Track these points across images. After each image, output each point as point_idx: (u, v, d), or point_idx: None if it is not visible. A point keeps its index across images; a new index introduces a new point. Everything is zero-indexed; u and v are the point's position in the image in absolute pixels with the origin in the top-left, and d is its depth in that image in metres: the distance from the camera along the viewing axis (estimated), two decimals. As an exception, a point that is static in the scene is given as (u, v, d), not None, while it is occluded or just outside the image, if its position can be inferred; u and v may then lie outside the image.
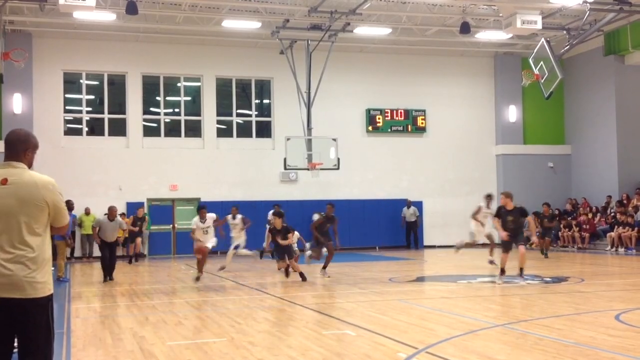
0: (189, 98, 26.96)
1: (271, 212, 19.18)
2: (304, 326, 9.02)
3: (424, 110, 28.18)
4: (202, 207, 15.35)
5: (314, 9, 22.05)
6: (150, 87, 26.28)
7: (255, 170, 26.33)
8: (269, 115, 27.32)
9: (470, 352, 7.14)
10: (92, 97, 26.07)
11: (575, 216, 26.35)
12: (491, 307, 10.72)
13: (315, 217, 21.00)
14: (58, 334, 8.80)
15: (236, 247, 17.20)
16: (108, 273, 15.86)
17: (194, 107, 26.78)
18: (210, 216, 15.27)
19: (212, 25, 24.01)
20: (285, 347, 7.66)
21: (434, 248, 27.17)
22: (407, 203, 27.19)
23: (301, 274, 14.67)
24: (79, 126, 25.71)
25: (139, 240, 22.12)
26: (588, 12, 21.58)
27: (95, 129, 25.93)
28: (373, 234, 27.23)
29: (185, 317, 10.00)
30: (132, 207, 24.94)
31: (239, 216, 17.59)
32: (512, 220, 13.48)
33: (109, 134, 25.67)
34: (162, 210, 25.76)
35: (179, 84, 26.70)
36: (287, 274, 15.22)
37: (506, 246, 13.72)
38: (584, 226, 25.03)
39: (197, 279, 14.75)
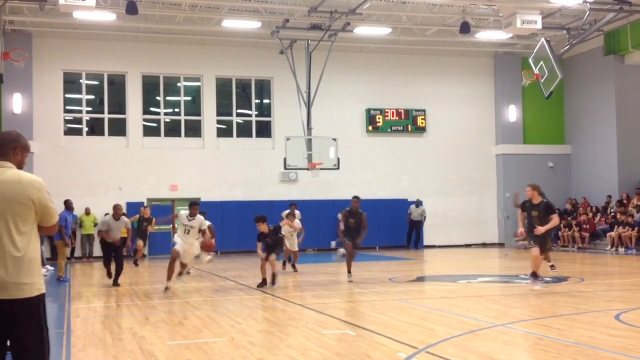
0: (189, 98, 26.95)
1: (286, 212, 19.01)
2: (303, 326, 9.03)
3: (424, 110, 28.18)
4: (194, 203, 13.70)
5: (314, 8, 22.05)
6: (150, 87, 26.28)
7: (255, 170, 26.33)
8: (269, 115, 27.32)
9: (470, 352, 7.14)
10: (92, 97, 26.06)
11: (575, 216, 26.35)
12: (491, 307, 10.71)
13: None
14: (58, 333, 8.82)
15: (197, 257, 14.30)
16: (114, 275, 14.80)
17: (194, 107, 26.78)
18: (200, 218, 13.44)
19: (212, 25, 24.00)
20: (285, 347, 7.66)
21: (434, 248, 27.18)
22: (416, 202, 27.15)
23: (273, 275, 13.59)
24: (79, 126, 25.71)
25: (140, 243, 20.50)
26: (588, 11, 21.58)
27: (95, 128, 25.92)
28: (373, 234, 26.97)
29: (185, 317, 10.00)
30: (132, 207, 24.96)
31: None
32: (537, 216, 12.25)
33: (109, 134, 25.67)
34: (162, 210, 25.68)
35: (179, 84, 26.70)
36: (283, 265, 15.30)
37: (539, 243, 12.27)
38: (584, 226, 25.04)
39: (166, 289, 13.09)
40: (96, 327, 9.46)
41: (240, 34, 25.13)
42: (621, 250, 22.66)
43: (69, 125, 25.55)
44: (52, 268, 18.36)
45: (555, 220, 12.25)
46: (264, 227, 13.92)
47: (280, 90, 26.60)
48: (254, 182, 26.19)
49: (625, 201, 24.79)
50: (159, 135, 26.15)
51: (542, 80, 21.98)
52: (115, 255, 14.97)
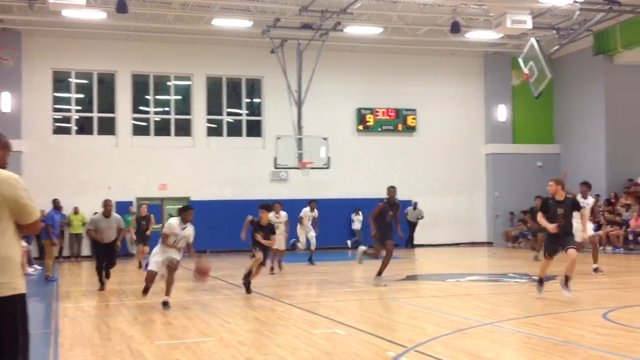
0: (179, 97, 26.88)
1: (306, 208, 18.79)
2: (293, 325, 9.02)
3: (414, 110, 28.23)
4: (188, 208, 11.41)
5: (305, 8, 22.04)
6: (140, 85, 26.19)
7: (246, 169, 26.29)
8: (259, 114, 27.29)
9: (459, 351, 7.16)
10: (81, 95, 25.94)
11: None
12: (480, 306, 10.75)
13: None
14: (45, 333, 8.78)
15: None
16: (103, 278, 13.75)
17: (184, 106, 26.72)
18: (192, 227, 11.25)
19: (202, 24, 23.94)
20: (274, 346, 7.66)
21: (424, 247, 27.21)
22: (414, 204, 27.19)
23: (248, 283, 12.57)
24: (68, 125, 25.58)
25: (146, 249, 17.78)
26: (578, 11, 21.67)
27: (84, 127, 25.81)
28: (363, 233, 27.23)
29: (174, 316, 9.97)
30: (121, 207, 24.85)
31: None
32: (562, 215, 10.81)
33: (99, 133, 25.57)
34: (152, 209, 25.51)
35: (169, 83, 26.62)
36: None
37: (551, 247, 11.04)
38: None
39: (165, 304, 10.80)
40: (84, 326, 9.41)
41: (231, 33, 25.08)
42: (609, 249, 22.76)
43: (58, 124, 25.41)
44: (40, 267, 18.29)
45: (585, 216, 11.46)
46: (266, 218, 12.96)
47: (271, 90, 26.57)
48: (244, 182, 26.15)
49: (613, 200, 24.92)
50: (148, 134, 26.07)
51: (531, 80, 22.04)
52: (107, 257, 13.74)
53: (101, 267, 13.78)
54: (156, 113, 26.49)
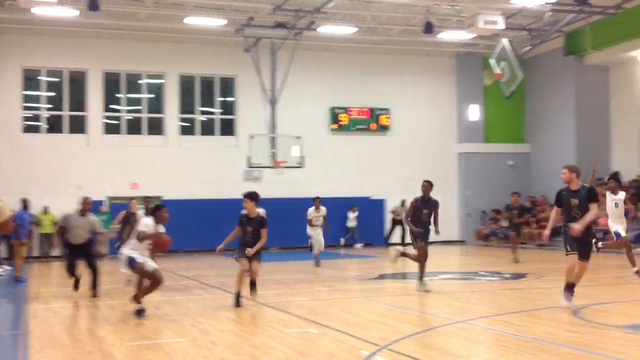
0: (151, 95, 26.68)
1: (311, 208, 18.23)
2: (267, 325, 9.01)
3: (387, 109, 28.35)
4: (161, 206, 10.42)
5: (279, 7, 22.01)
6: (111, 84, 25.94)
7: (219, 168, 26.18)
8: (232, 113, 27.19)
9: (432, 349, 7.21)
10: (52, 94, 25.63)
11: (535, 213, 26.77)
12: (452, 304, 10.83)
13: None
14: (15, 335, 8.65)
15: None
16: (91, 284, 12.49)
17: (156, 104, 26.52)
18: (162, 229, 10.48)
19: (175, 22, 23.79)
20: (248, 346, 7.63)
21: (396, 246, 27.28)
22: (402, 201, 26.55)
23: (253, 283, 11.46)
24: (38, 123, 25.26)
25: None
26: (549, 12, 21.96)
27: (54, 126, 25.50)
28: (336, 232, 27.24)
29: (146, 317, 9.89)
30: (93, 206, 24.53)
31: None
32: (578, 206, 9.47)
33: (69, 132, 25.30)
34: (124, 208, 25.37)
35: (140, 81, 26.41)
36: (252, 285, 11.45)
37: (578, 247, 9.40)
38: (543, 223, 25.41)
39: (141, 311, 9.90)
40: (54, 328, 9.30)
41: (204, 32, 24.95)
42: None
43: (28, 123, 25.07)
44: (10, 268, 18.01)
45: (593, 211, 9.41)
46: (251, 208, 10.76)
47: (245, 89, 26.49)
48: (217, 181, 26.02)
49: (583, 199, 25.22)
50: (120, 133, 25.85)
51: (503, 80, 22.30)
52: (86, 259, 12.48)
53: (72, 268, 12.55)
54: (128, 111, 26.26)
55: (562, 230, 9.81)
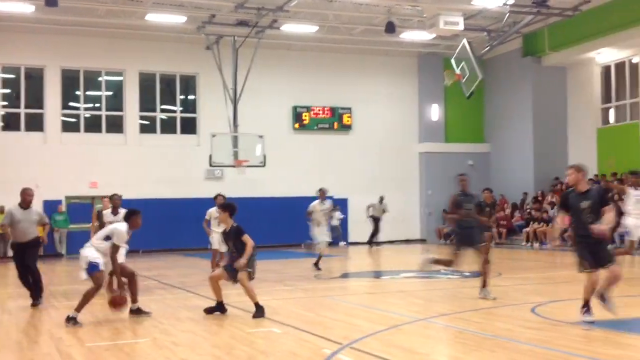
0: (110, 93, 26.31)
1: (315, 202, 16.48)
2: (229, 325, 8.96)
3: (349, 108, 28.45)
4: (137, 211, 9.75)
5: (241, 5, 21.90)
6: (69, 81, 25.51)
7: (180, 167, 25.95)
8: (194, 112, 26.98)
9: (394, 346, 7.25)
10: (7, 90, 25.12)
11: (493, 213, 27.13)
12: (414, 302, 10.91)
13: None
14: (-30, 337, 8.43)
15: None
16: (34, 293, 11.14)
17: (116, 102, 26.16)
18: (124, 211, 10.55)
19: (135, 19, 23.49)
20: (209, 347, 7.58)
21: (359, 245, 27.43)
22: (380, 198, 26.72)
23: (258, 307, 9.47)
24: (-6, 121, 24.73)
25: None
26: (507, 14, 22.26)
27: (10, 124, 24.99)
28: (299, 231, 27.19)
29: (106, 317, 9.75)
30: (50, 206, 24.20)
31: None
32: (588, 209, 8.22)
33: (26, 129, 24.81)
34: (82, 208, 25.03)
35: (100, 78, 26.03)
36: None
37: (590, 258, 8.16)
38: (502, 222, 25.80)
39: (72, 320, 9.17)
40: (11, 329, 9.10)
41: (165, 29, 24.69)
42: (536, 245, 23.48)
43: (-18, 120, 24.52)
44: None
45: (611, 213, 8.23)
46: (225, 220, 9.72)
47: (206, 87, 26.31)
48: (178, 180, 25.79)
49: (540, 198, 25.71)
50: (78, 130, 25.45)
51: (463, 81, 22.52)
52: (29, 260, 11.01)
53: (25, 275, 11.15)
54: (86, 109, 25.86)
55: (574, 239, 8.44)
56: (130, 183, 25.13)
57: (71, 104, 25.64)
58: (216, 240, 13.60)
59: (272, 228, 26.28)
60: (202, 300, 11.56)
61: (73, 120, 25.56)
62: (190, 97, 27.30)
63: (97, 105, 26.10)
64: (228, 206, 9.78)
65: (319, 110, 28.01)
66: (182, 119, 26.87)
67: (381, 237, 27.43)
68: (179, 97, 27.13)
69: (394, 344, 7.43)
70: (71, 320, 9.04)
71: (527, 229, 24.30)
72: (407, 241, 28.90)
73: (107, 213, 12.33)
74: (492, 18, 24.41)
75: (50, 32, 24.49)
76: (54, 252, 24.17)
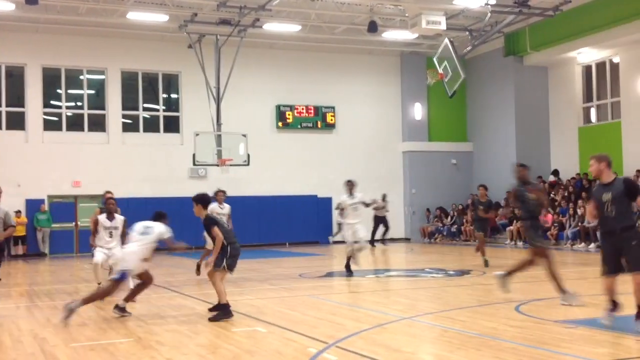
0: (92, 91, 26.14)
1: (344, 196, 15.09)
2: (214, 324, 8.93)
3: (333, 107, 28.48)
4: (164, 214, 10.31)
5: (223, 3, 21.83)
6: (51, 79, 25.31)
7: (163, 166, 25.84)
8: (177, 110, 26.87)
9: (379, 345, 7.28)
10: (-13, 89, 24.86)
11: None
12: (398, 301, 10.96)
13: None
14: (-49, 338, 8.33)
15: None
16: None
17: (98, 100, 25.99)
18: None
19: (116, 17, 23.35)
20: (194, 346, 7.56)
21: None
22: (382, 196, 25.44)
23: (221, 307, 9.29)
24: (-26, 119, 24.47)
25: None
26: (489, 14, 22.37)
27: (-9, 122, 24.75)
28: (283, 230, 27.27)
29: (89, 317, 9.69)
30: (32, 205, 24.02)
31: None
32: (610, 202, 7.56)
33: (7, 128, 24.62)
34: (64, 207, 24.88)
35: (81, 77, 25.84)
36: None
37: (608, 261, 7.67)
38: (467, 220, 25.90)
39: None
40: (-7, 330, 9.02)
41: (147, 27, 24.56)
42: (520, 243, 23.65)
43: (-38, 119, 24.26)
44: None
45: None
46: (198, 212, 9.69)
47: (189, 85, 26.21)
48: (161, 179, 25.69)
49: (523, 197, 25.83)
50: (60, 129, 25.26)
51: (445, 80, 22.61)
52: None
53: None
54: (68, 108, 25.68)
55: (600, 239, 7.79)
56: (113, 182, 24.92)
57: (53, 102, 25.44)
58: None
59: (257, 227, 26.28)
60: (187, 299, 11.54)
61: (55, 119, 25.36)
62: (173, 95, 27.19)
63: (79, 103, 25.93)
64: (199, 198, 9.79)
65: (302, 109, 28.02)
66: (165, 117, 26.76)
67: (363, 236, 27.38)
68: (162, 95, 27.00)
69: (379, 342, 7.45)
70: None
71: (511, 227, 24.46)
72: (391, 240, 28.97)
73: (102, 219, 11.91)
74: (473, 18, 24.53)
75: (31, 30, 24.28)
76: (37, 252, 23.98)
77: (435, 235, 28.15)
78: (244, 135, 23.46)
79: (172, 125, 26.74)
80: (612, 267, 7.61)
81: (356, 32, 26.16)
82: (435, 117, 29.85)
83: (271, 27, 24.40)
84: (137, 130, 26.23)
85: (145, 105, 26.57)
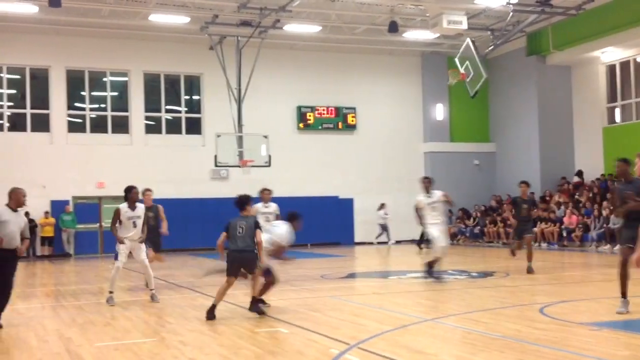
0: (115, 93, 26.37)
1: (421, 195, 13.66)
2: (236, 324, 8.97)
3: (354, 108, 28.45)
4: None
5: (244, 5, 21.93)
6: (74, 81, 25.58)
7: (185, 167, 25.99)
8: (198, 112, 27.02)
9: (401, 347, 7.25)
10: (13, 91, 25.19)
11: (500, 212, 27.09)
12: (421, 302, 10.92)
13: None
14: (-21, 338, 8.45)
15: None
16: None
17: (121, 102, 26.22)
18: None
19: (138, 19, 23.54)
20: (217, 346, 7.60)
21: (365, 245, 27.44)
22: (380, 205, 27.41)
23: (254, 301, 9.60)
24: (0, 121, 24.76)
25: (153, 254, 12.90)
26: (511, 13, 22.23)
27: (16, 124, 25.07)
28: (304, 231, 27.05)
29: (114, 317, 9.78)
30: (57, 206, 24.30)
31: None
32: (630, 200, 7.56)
33: (32, 130, 24.89)
34: (89, 208, 25.12)
35: (105, 79, 26.08)
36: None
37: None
38: (509, 222, 25.72)
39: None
40: (20, 329, 9.12)
41: (169, 29, 24.73)
42: (544, 245, 23.44)
43: (-12, 121, 24.60)
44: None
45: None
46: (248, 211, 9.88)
47: (210, 87, 26.34)
48: (184, 180, 25.84)
49: (547, 198, 25.66)
50: (84, 131, 25.51)
51: (467, 80, 22.50)
52: (5, 272, 9.06)
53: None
54: (92, 110, 25.93)
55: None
56: (135, 183, 25.01)
57: (77, 104, 25.71)
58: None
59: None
60: (209, 300, 11.57)
61: (79, 120, 25.62)
62: (195, 97, 27.35)
63: (102, 105, 26.17)
64: (235, 201, 10.10)
65: (323, 110, 28.03)
66: (187, 119, 26.91)
67: (381, 237, 27.75)
68: (184, 97, 27.18)
69: (402, 344, 7.43)
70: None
71: (535, 229, 24.22)
72: (413, 241, 28.86)
73: (124, 208, 11.61)
74: (495, 17, 24.38)
75: (54, 32, 24.56)
76: (63, 252, 24.26)
77: (457, 237, 28.00)
78: (265, 137, 23.54)
79: (194, 127, 26.89)
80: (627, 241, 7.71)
81: (377, 32, 26.12)
82: (456, 118, 29.71)
83: (291, 28, 24.45)
84: (159, 131, 26.41)
85: (168, 107, 26.76)
